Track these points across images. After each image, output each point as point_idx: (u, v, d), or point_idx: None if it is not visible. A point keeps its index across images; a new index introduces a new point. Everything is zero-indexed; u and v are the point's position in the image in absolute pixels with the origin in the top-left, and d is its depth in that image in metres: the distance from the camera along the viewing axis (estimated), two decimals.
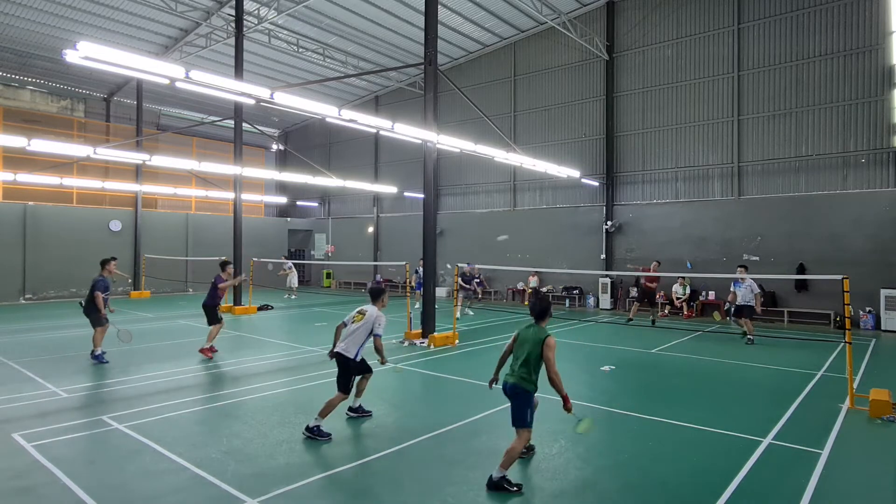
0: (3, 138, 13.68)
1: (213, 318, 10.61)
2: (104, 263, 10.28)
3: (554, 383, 4.70)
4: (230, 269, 10.97)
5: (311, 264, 31.65)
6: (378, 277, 27.11)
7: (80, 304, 10.35)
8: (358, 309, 6.34)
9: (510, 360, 5.08)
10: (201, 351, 10.40)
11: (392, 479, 4.92)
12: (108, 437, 5.97)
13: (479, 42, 22.78)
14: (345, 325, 6.29)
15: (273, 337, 12.94)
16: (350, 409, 6.69)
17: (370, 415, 6.73)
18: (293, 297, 23.15)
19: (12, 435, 5.93)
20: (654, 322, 15.37)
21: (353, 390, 6.44)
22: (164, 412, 6.88)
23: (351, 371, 6.17)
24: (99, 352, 9.86)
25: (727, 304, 13.94)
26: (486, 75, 23.64)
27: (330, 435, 5.93)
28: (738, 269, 12.73)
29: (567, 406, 4.81)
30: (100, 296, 9.78)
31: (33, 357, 10.15)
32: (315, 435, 5.90)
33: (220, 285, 10.73)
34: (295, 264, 27.73)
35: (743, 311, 12.40)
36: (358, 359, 6.18)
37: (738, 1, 17.42)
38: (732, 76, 17.57)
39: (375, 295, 6.44)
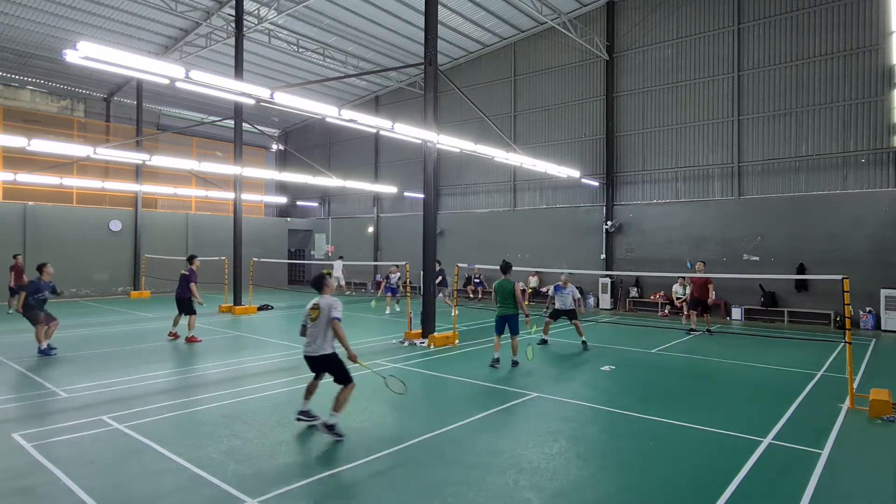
0: (3, 138, 13.68)
1: (189, 308, 11.97)
2: None
3: (520, 304, 9.70)
4: (197, 262, 12.43)
5: (310, 264, 31.63)
6: (378, 277, 27.10)
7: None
8: (310, 305, 6.14)
9: (499, 301, 9.81)
10: (188, 339, 11.85)
11: (392, 480, 4.92)
12: (108, 437, 5.97)
13: (479, 42, 22.77)
14: (305, 327, 6.15)
15: (273, 337, 12.93)
16: (302, 412, 6.34)
17: (318, 420, 6.14)
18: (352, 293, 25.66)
19: (12, 435, 5.93)
20: (691, 330, 14.15)
21: (311, 394, 6.35)
22: (164, 412, 6.88)
23: (337, 363, 6.03)
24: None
25: (546, 308, 14.02)
26: (486, 75, 23.63)
27: (343, 436, 5.84)
28: (563, 277, 12.12)
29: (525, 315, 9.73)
30: None
31: (33, 357, 10.15)
32: (333, 433, 5.80)
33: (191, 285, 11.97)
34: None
35: (564, 314, 11.86)
36: (333, 351, 6.05)
37: (738, 1, 17.41)
38: (732, 76, 17.56)
39: (319, 285, 6.28)
